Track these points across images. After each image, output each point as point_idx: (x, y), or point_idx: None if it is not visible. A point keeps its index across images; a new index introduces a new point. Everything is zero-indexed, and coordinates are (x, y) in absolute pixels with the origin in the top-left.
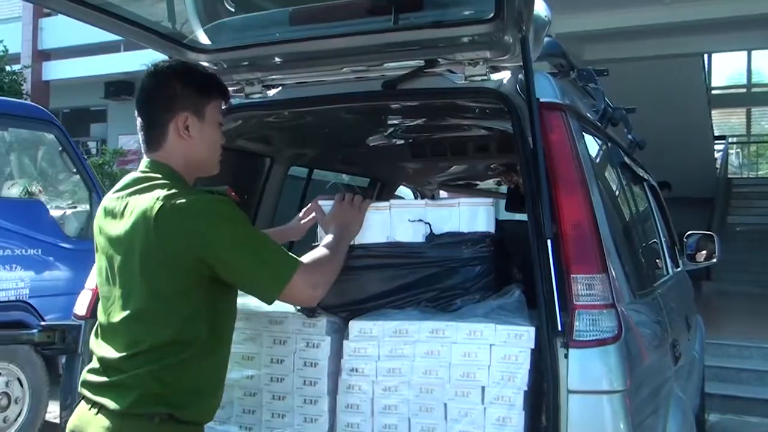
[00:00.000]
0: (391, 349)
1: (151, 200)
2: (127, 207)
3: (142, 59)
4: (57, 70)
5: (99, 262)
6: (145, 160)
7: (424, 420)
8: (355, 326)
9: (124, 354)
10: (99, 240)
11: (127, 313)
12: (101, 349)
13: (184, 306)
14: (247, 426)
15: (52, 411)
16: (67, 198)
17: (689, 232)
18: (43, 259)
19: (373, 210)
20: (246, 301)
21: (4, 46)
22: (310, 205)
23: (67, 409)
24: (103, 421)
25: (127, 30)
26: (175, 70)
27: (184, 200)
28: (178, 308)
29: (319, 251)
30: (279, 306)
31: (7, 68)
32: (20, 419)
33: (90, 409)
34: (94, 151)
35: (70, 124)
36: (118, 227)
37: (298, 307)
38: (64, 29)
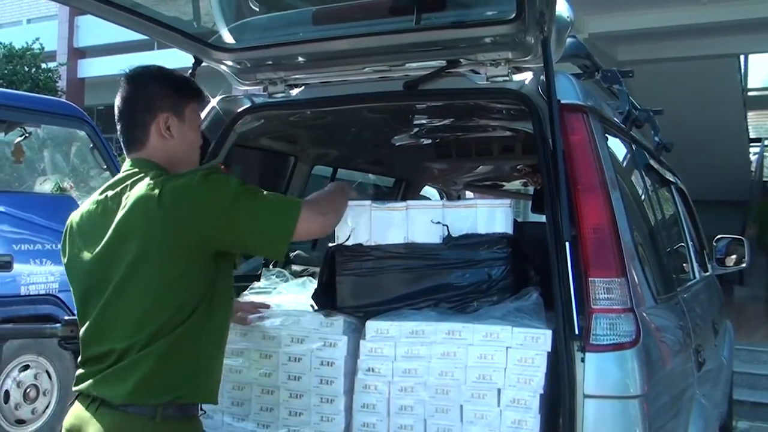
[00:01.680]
0: (408, 350)
1: (147, 187)
2: (118, 201)
3: (174, 58)
4: (92, 68)
5: (78, 262)
6: (128, 161)
7: (440, 421)
8: (371, 326)
9: (124, 344)
10: (77, 240)
11: (125, 303)
12: (96, 347)
13: (188, 285)
14: (264, 423)
15: None
16: None
17: (718, 236)
18: None
19: (391, 210)
20: (264, 299)
21: (41, 44)
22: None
23: None
24: (104, 417)
25: (152, 30)
26: (153, 73)
27: (180, 180)
28: (181, 288)
29: (325, 192)
30: (297, 305)
31: (43, 65)
32: (48, 411)
33: (88, 406)
34: None
35: (105, 121)
36: (108, 222)
37: (316, 308)
38: (99, 27)
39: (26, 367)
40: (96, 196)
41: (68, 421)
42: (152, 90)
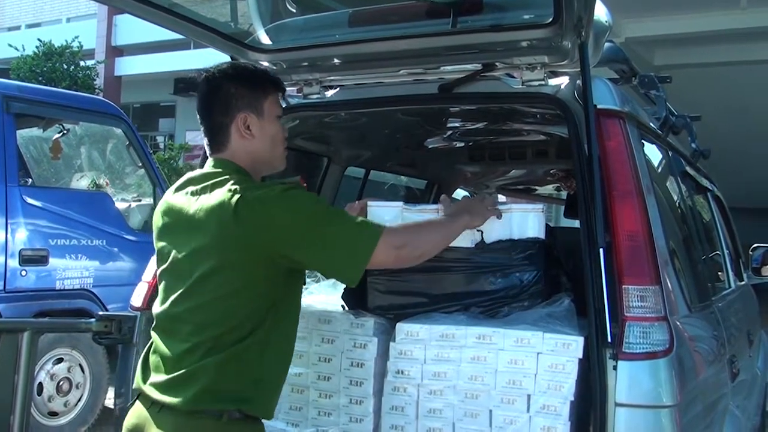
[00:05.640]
0: (438, 353)
1: (226, 194)
2: (197, 202)
3: (210, 57)
4: (129, 66)
5: (161, 256)
6: (210, 160)
7: (469, 425)
8: (402, 329)
9: (186, 347)
10: (162, 235)
11: (191, 305)
12: (161, 344)
13: (254, 297)
14: (294, 422)
15: (112, 397)
16: (132, 191)
17: (755, 245)
18: (108, 249)
19: (423, 213)
20: None
21: (79, 42)
22: (354, 204)
23: (120, 397)
24: (167, 420)
25: (190, 30)
26: (227, 73)
27: (261, 191)
28: (247, 299)
29: (425, 220)
30: (328, 305)
31: (82, 63)
32: (80, 404)
33: (150, 407)
34: (161, 145)
35: (140, 119)
36: (188, 223)
37: (347, 308)
38: (137, 26)
39: (60, 360)
40: (180, 186)
41: (129, 420)
42: (228, 90)
